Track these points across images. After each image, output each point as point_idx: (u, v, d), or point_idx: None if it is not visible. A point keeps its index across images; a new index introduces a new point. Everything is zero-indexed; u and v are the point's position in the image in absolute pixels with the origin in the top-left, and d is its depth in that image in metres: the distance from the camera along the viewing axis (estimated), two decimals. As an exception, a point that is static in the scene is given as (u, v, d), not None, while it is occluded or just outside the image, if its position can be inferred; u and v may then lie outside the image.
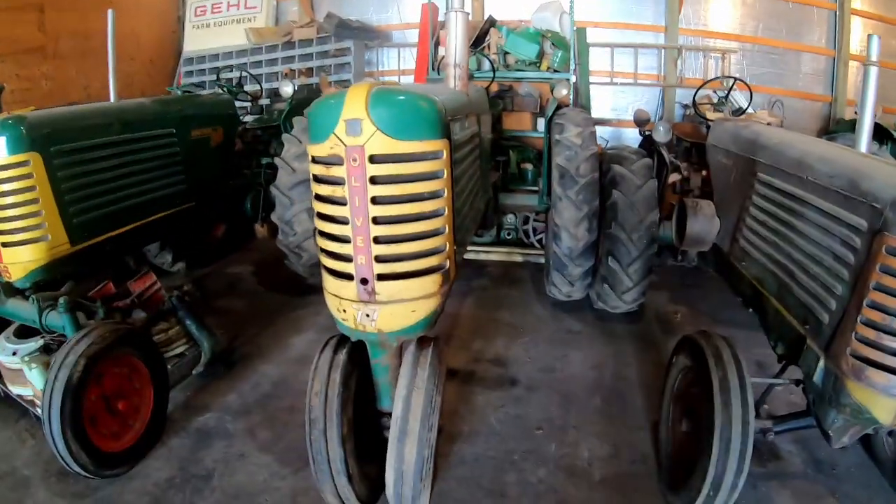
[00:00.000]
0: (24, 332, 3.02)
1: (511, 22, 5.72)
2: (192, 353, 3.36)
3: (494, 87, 5.14)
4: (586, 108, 5.36)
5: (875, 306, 1.90)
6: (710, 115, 4.37)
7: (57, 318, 2.83)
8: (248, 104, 5.45)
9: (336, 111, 1.82)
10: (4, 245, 2.92)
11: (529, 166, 5.28)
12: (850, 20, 6.96)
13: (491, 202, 4.62)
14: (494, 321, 4.34)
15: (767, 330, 2.87)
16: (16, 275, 2.97)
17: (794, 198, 2.52)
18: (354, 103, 1.81)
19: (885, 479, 2.63)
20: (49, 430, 2.38)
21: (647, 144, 4.93)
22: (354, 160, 1.83)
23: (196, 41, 8.33)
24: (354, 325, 2.02)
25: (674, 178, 4.15)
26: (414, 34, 7.26)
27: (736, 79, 4.34)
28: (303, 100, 4.94)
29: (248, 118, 5.45)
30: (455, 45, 2.81)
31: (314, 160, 1.95)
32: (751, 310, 2.99)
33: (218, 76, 5.41)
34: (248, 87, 5.75)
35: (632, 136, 6.88)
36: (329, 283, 2.06)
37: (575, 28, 5.23)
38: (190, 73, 8.11)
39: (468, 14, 2.88)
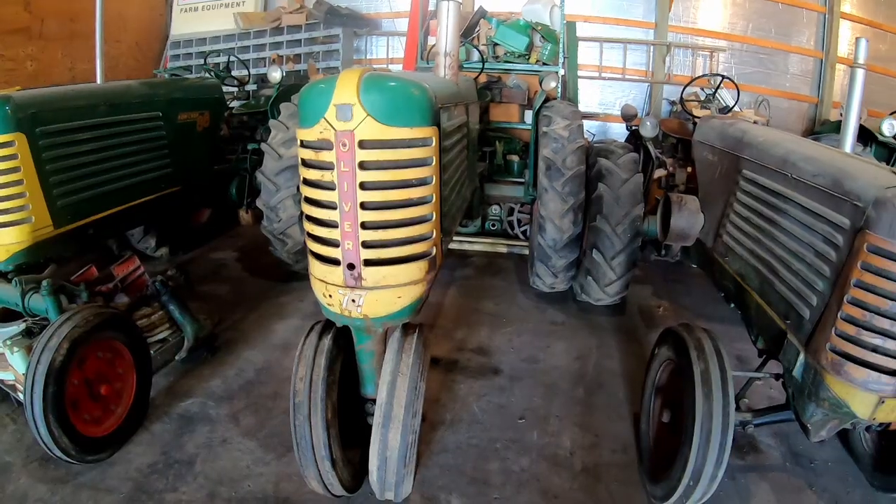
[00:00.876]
0: (4, 317, 2.97)
1: (501, 13, 5.72)
2: (175, 338, 3.33)
3: (483, 79, 5.14)
4: (574, 101, 5.39)
5: (855, 303, 1.94)
6: (697, 112, 4.43)
7: (40, 302, 2.79)
8: (235, 89, 5.39)
9: (327, 96, 1.82)
10: (-14, 226, 2.87)
11: (515, 158, 5.31)
12: (839, 23, 7.07)
13: (477, 192, 4.63)
14: (478, 311, 4.36)
15: (749, 324, 2.92)
16: (-2, 257, 2.92)
17: (778, 195, 2.56)
18: (346, 88, 1.80)
19: (863, 474, 2.70)
20: (31, 414, 2.35)
21: (634, 139, 4.98)
22: (344, 145, 1.82)
23: (183, 24, 8.18)
24: (340, 310, 2.02)
25: (659, 173, 4.20)
26: (403, 23, 7.21)
27: (724, 77, 4.39)
28: (290, 86, 4.90)
29: (235, 103, 5.39)
30: (446, 35, 2.80)
31: (303, 144, 1.95)
32: (732, 305, 3.05)
33: (205, 60, 5.33)
34: (236, 72, 5.68)
35: (618, 131, 6.95)
36: (315, 267, 2.06)
37: (565, 21, 5.24)
38: (177, 57, 7.99)
39: (460, 4, 2.87)
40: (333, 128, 1.82)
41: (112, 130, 3.47)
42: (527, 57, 5.34)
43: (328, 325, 2.25)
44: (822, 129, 4.99)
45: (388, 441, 2.02)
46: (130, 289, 3.30)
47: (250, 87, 5.42)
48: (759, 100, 5.13)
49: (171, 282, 3.37)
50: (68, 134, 3.17)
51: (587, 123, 4.94)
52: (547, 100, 4.44)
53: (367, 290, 1.98)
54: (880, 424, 2.31)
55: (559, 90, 4.97)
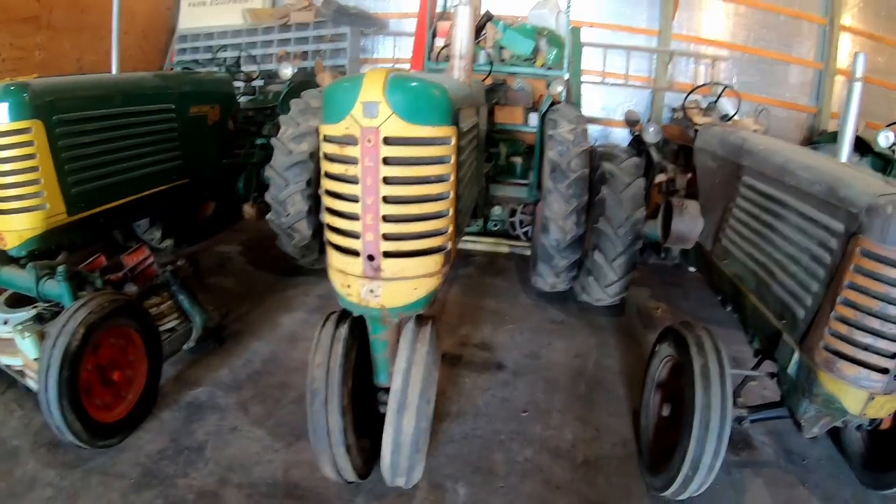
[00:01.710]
0: (14, 303, 3.03)
1: (508, 17, 5.82)
2: (184, 328, 3.40)
3: (488, 81, 5.24)
4: (577, 105, 5.51)
5: (848, 303, 2.06)
6: (698, 119, 4.55)
7: (54, 287, 2.85)
8: (242, 84, 5.46)
9: (353, 93, 1.90)
10: (1, 212, 2.92)
11: (519, 159, 5.41)
12: (839, 35, 7.22)
13: (482, 192, 4.73)
14: (480, 308, 4.46)
15: (745, 325, 3.04)
16: (11, 243, 2.97)
17: (775, 201, 2.68)
18: (372, 87, 1.89)
19: (853, 472, 2.80)
20: (45, 398, 2.39)
21: (637, 144, 5.09)
22: (369, 141, 1.91)
23: (191, 18, 8.23)
24: (358, 300, 2.10)
25: (661, 178, 4.31)
26: (410, 23, 7.31)
27: (726, 86, 4.51)
28: (301, 83, 4.97)
29: (242, 99, 5.46)
30: (461, 38, 2.90)
31: (327, 139, 2.03)
32: (729, 308, 3.17)
33: (215, 55, 5.39)
34: (245, 68, 5.76)
35: (620, 136, 7.08)
36: (335, 258, 2.14)
37: (570, 27, 5.35)
38: (183, 51, 8.02)
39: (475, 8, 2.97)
40: (359, 124, 1.91)
41: (126, 121, 3.54)
42: (532, 61, 5.45)
43: (344, 314, 2.33)
44: (820, 139, 5.12)
45: (402, 427, 2.10)
46: (139, 278, 3.36)
47: (257, 82, 5.49)
48: (758, 109, 5.26)
49: (181, 272, 3.44)
50: (84, 123, 3.23)
51: (589, 128, 5.06)
52: (553, 103, 4.55)
53: (386, 280, 2.07)
54: (871, 422, 2.42)
55: (563, 94, 5.08)
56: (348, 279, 2.11)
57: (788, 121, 7.12)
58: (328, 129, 2.02)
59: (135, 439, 2.75)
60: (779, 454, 2.97)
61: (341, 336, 2.24)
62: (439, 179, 2.06)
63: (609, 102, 7.38)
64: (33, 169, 2.95)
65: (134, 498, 2.42)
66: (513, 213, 5.79)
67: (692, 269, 4.37)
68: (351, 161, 1.96)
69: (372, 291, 2.09)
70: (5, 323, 2.87)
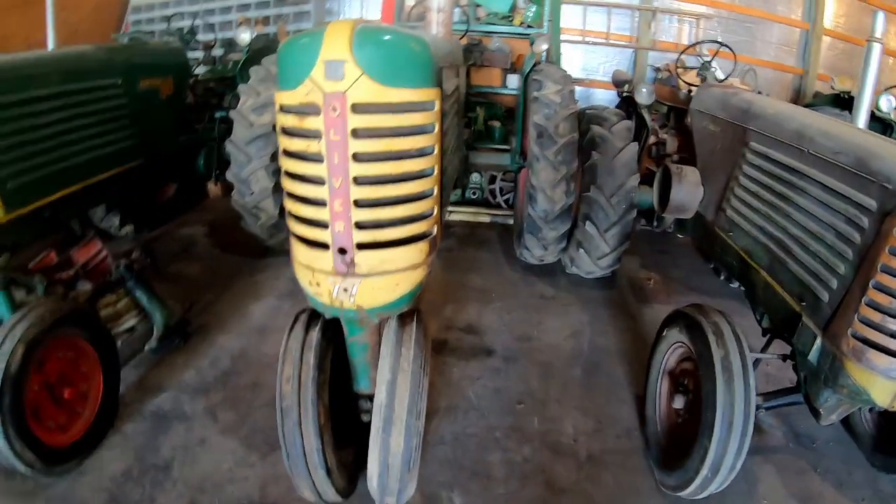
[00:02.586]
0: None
1: (484, -27, 5.28)
2: (144, 326, 2.99)
3: (463, 42, 4.77)
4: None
5: (881, 288, 1.80)
6: (686, 78, 4.19)
7: (-12, 298, 2.40)
8: (201, 54, 4.86)
9: (313, 51, 1.47)
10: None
11: (497, 124, 5.00)
12: (826, -5, 6.86)
13: (463, 162, 4.33)
14: (463, 285, 4.11)
15: (754, 302, 2.75)
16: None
17: (792, 170, 2.36)
18: (336, 42, 1.46)
19: (863, 453, 2.59)
20: None
21: (625, 106, 4.71)
22: (334, 109, 1.49)
23: None
24: (330, 300, 1.72)
25: (652, 140, 3.96)
26: (377, -18, 6.70)
27: (722, 44, 4.13)
28: (260, 49, 4.43)
29: (200, 69, 4.87)
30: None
31: (283, 109, 1.61)
32: (730, 280, 2.87)
33: (168, 23, 4.75)
34: (202, 36, 5.13)
35: (601, 97, 6.67)
36: (300, 252, 1.74)
37: (549, -18, 4.86)
38: (138, 23, 7.24)
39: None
40: (321, 89, 1.48)
41: (67, 101, 2.98)
42: (510, 19, 4.96)
43: (315, 314, 1.95)
44: (816, 101, 4.82)
45: (391, 446, 1.76)
46: (93, 274, 2.93)
47: (217, 51, 4.88)
48: (745, 69, 4.90)
49: (136, 265, 3.00)
50: (16, 107, 2.67)
51: (574, 89, 4.66)
52: (535, 64, 4.12)
53: (361, 277, 1.69)
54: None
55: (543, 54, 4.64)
56: (317, 276, 1.72)
57: (774, 82, 6.77)
58: (284, 97, 1.60)
59: (97, 459, 2.37)
60: (788, 437, 2.74)
61: (312, 342, 1.87)
62: (421, 153, 1.66)
63: (590, 62, 6.90)
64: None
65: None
66: (492, 179, 5.40)
67: (681, 235, 4.09)
68: (313, 135, 1.55)
69: (346, 290, 1.70)
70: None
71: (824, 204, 2.15)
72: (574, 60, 6.74)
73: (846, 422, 2.74)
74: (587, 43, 6.76)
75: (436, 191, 1.77)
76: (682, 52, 4.17)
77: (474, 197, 5.32)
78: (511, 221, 5.05)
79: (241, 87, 3.85)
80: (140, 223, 4.24)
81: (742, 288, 2.81)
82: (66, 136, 3.00)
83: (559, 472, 2.42)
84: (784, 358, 2.48)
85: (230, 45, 4.93)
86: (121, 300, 2.94)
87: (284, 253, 4.34)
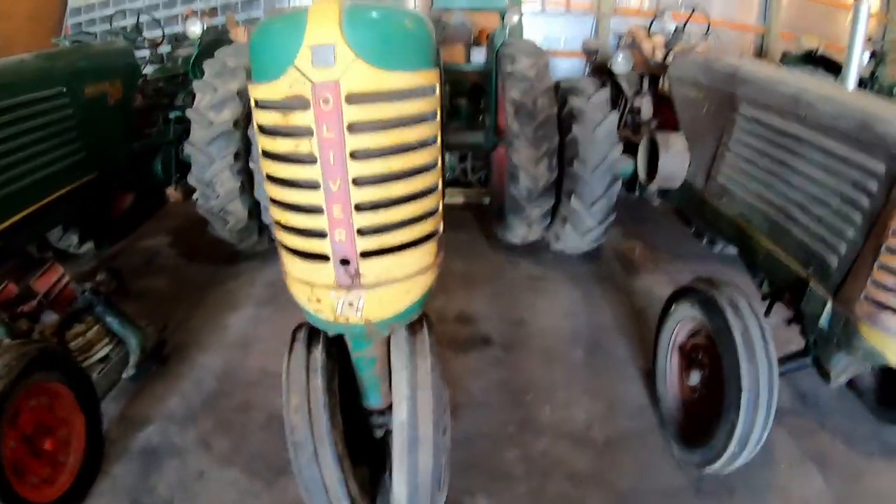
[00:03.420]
0: None
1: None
2: (118, 353, 2.68)
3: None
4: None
5: (894, 251, 1.77)
6: (648, 44, 4.06)
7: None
8: (148, 52, 4.40)
9: (295, 36, 1.23)
10: None
11: (463, 101, 4.78)
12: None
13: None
14: (448, 271, 3.89)
15: (753, 268, 2.70)
16: None
17: (789, 135, 2.29)
18: (323, 22, 1.21)
19: (867, 407, 2.59)
20: None
21: (597, 75, 4.56)
22: (326, 101, 1.25)
23: None
24: (334, 316, 1.50)
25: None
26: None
27: (693, 9, 4.01)
28: (210, 42, 4.04)
29: (148, 68, 4.43)
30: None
31: (261, 105, 1.36)
32: (710, 244, 2.76)
33: (111, 22, 4.27)
34: (147, 33, 4.65)
35: (565, 67, 6.48)
36: (294, 266, 1.51)
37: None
38: (78, 25, 6.58)
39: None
40: (309, 79, 1.24)
41: (7, 117, 2.62)
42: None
43: (314, 330, 1.74)
44: (787, 60, 4.78)
45: (419, 466, 1.59)
46: (57, 302, 2.61)
47: (163, 49, 4.43)
48: (706, 30, 4.79)
49: (102, 288, 2.68)
50: None
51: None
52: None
53: (368, 288, 1.48)
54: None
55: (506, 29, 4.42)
56: (317, 292, 1.49)
57: (736, 41, 6.71)
58: (261, 91, 1.34)
59: (89, 510, 2.08)
60: (793, 399, 2.71)
61: (317, 364, 1.65)
62: (423, 144, 1.44)
63: (551, 32, 6.68)
64: None
65: None
66: (462, 158, 5.19)
67: (657, 202, 4.02)
68: (303, 133, 1.31)
69: (351, 304, 1.49)
70: None
71: (827, 169, 2.09)
72: (535, 31, 6.51)
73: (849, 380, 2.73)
74: (547, 13, 6.54)
75: (440, 185, 1.57)
76: (653, 20, 4.03)
77: (446, 177, 5.11)
78: (486, 201, 4.87)
79: (196, 84, 3.51)
80: (100, 239, 3.85)
81: (738, 252, 2.74)
82: (9, 157, 2.64)
83: (579, 462, 2.30)
84: (788, 322, 2.44)
85: (177, 40, 4.50)
86: (91, 328, 2.63)
87: (256, 256, 4.07)
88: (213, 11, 6.04)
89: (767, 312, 2.51)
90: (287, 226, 1.46)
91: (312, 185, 1.36)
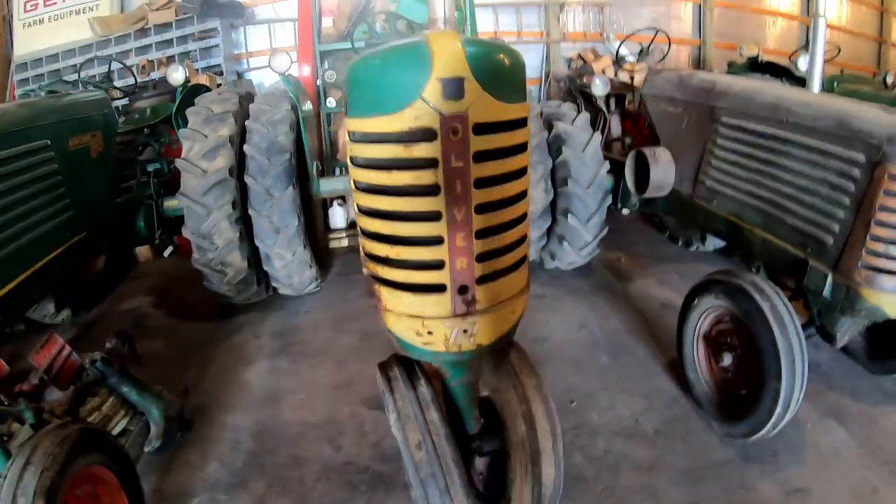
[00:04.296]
0: None
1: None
2: (139, 425, 2.44)
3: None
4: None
5: (882, 223, 2.08)
6: (597, 65, 4.38)
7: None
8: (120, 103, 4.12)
9: (421, 68, 1.25)
10: None
11: None
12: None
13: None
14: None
15: (749, 258, 2.96)
16: None
17: (773, 138, 2.58)
18: (451, 56, 1.25)
19: (861, 365, 2.86)
20: None
21: (571, 98, 4.82)
22: (455, 133, 1.28)
23: (29, 42, 6.19)
24: (446, 347, 1.49)
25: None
26: (282, 7, 6.21)
27: (658, 31, 4.38)
28: (191, 88, 3.86)
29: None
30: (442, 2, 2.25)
31: (375, 139, 1.35)
32: (686, 245, 2.95)
33: (79, 73, 3.95)
34: (119, 83, 4.35)
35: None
36: (402, 302, 1.48)
37: (462, -13, 4.81)
38: (25, 82, 6.04)
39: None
40: (438, 111, 1.26)
41: None
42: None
43: (405, 362, 1.70)
44: (735, 69, 5.25)
45: (543, 479, 1.61)
46: (60, 378, 2.32)
47: (119, 101, 4.16)
48: (650, 48, 5.17)
49: (114, 356, 2.44)
50: None
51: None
52: None
53: (481, 313, 1.48)
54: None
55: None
56: (430, 324, 1.47)
57: (678, 55, 7.23)
58: (374, 125, 1.34)
59: None
60: (799, 367, 2.94)
61: (427, 397, 1.61)
62: (523, 172, 1.50)
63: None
64: None
65: None
66: None
67: (626, 212, 4.27)
68: (426, 165, 1.31)
69: (465, 332, 1.49)
70: None
71: (812, 163, 2.38)
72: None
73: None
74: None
75: (528, 209, 1.62)
76: (621, 43, 4.34)
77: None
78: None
79: (183, 133, 3.33)
80: (76, 305, 3.49)
81: (728, 245, 2.97)
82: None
83: (640, 454, 2.39)
84: (790, 298, 2.69)
85: (134, 92, 4.25)
86: (105, 402, 2.37)
87: (252, 308, 3.86)
88: (168, 60, 5.76)
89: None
90: (397, 260, 1.44)
91: (432, 217, 1.36)
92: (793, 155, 2.49)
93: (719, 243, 4.23)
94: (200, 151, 3.27)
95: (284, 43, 6.26)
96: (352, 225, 4.69)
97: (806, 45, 5.22)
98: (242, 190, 3.45)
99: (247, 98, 3.86)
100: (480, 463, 1.83)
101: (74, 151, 2.96)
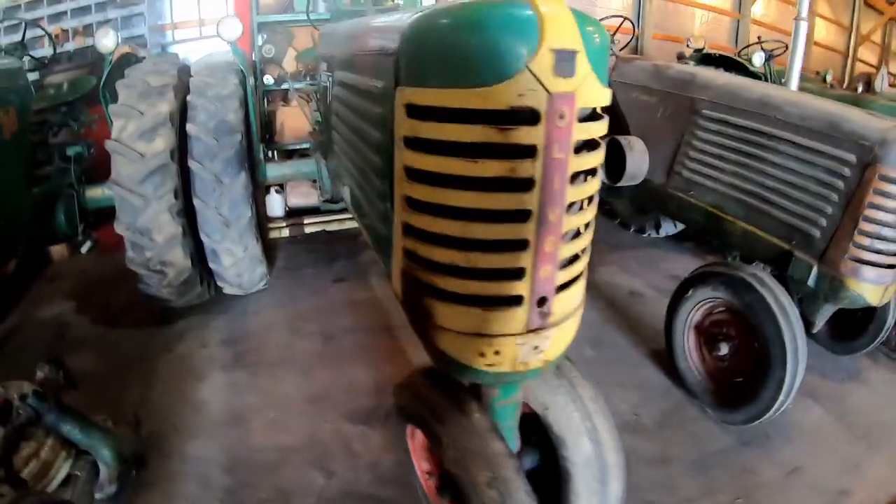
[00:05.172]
0: None
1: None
2: (86, 469, 1.95)
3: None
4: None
5: (870, 220, 2.18)
6: None
7: None
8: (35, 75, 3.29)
9: (527, 33, 0.98)
10: None
11: None
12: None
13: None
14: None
15: (728, 248, 2.98)
16: None
17: (759, 133, 2.59)
18: (563, 23, 0.99)
19: (824, 347, 3.01)
20: None
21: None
22: (561, 117, 1.03)
23: None
24: (513, 367, 1.26)
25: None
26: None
27: (625, 18, 4.29)
28: (120, 59, 3.18)
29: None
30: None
31: (452, 118, 1.06)
32: (639, 232, 2.92)
33: None
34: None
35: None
36: (462, 318, 1.23)
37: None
38: None
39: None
40: (546, 88, 1.00)
41: None
42: (381, 3, 4.42)
43: (442, 382, 1.45)
44: (686, 61, 5.30)
45: (610, 495, 1.49)
46: (-22, 420, 1.77)
47: (30, 75, 3.33)
48: (613, 35, 5.10)
49: (48, 388, 1.91)
50: None
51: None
52: None
53: (554, 326, 1.27)
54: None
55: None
56: (496, 342, 1.23)
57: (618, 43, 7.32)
58: (459, 98, 1.06)
59: None
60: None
61: (484, 426, 1.37)
62: (597, 169, 1.28)
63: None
64: None
65: None
66: None
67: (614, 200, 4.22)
68: (524, 153, 1.05)
69: (536, 348, 1.27)
70: None
71: (801, 160, 2.41)
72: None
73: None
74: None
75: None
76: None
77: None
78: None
79: (114, 108, 2.72)
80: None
81: (710, 237, 3.00)
82: None
83: (645, 448, 2.33)
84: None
85: (45, 64, 3.44)
86: (43, 446, 1.86)
87: (191, 311, 3.29)
88: (86, 30, 4.76)
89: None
90: (468, 269, 1.17)
91: (520, 217, 1.11)
92: (780, 151, 2.50)
93: (671, 230, 4.33)
94: (136, 131, 2.69)
95: (215, 14, 5.47)
96: (290, 213, 4.22)
97: (759, 42, 5.48)
98: (184, 176, 2.91)
99: (184, 71, 3.26)
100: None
101: (-20, 132, 2.26)
